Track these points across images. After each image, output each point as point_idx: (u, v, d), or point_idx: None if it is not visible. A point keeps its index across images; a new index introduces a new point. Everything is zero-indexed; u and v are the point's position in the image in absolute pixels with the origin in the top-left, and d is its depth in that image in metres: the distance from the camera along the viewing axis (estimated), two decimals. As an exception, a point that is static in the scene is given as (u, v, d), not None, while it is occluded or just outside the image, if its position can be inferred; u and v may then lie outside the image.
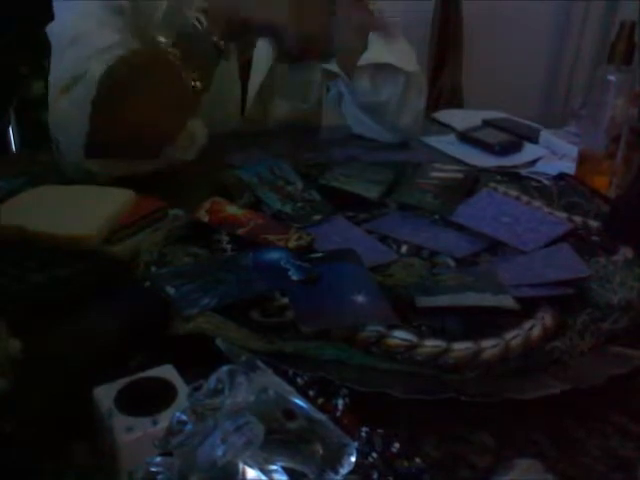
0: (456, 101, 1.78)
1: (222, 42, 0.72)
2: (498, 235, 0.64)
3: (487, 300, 0.52)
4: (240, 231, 0.62)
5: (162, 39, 0.71)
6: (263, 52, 0.91)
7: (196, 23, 0.71)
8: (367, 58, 0.85)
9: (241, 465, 0.25)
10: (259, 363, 0.29)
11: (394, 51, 0.86)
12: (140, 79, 0.72)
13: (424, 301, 0.53)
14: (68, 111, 0.71)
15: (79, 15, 0.75)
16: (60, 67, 0.75)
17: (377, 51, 0.85)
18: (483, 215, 0.67)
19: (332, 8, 0.79)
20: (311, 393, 0.41)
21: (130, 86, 0.71)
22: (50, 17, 0.77)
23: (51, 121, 0.73)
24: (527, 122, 1.04)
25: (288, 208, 0.68)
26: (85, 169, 0.71)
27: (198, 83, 0.71)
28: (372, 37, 0.85)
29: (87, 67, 0.71)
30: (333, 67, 0.90)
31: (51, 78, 0.75)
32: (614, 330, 0.50)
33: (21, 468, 0.38)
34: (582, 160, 0.81)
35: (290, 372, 0.43)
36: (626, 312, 0.51)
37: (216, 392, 0.28)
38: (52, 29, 0.77)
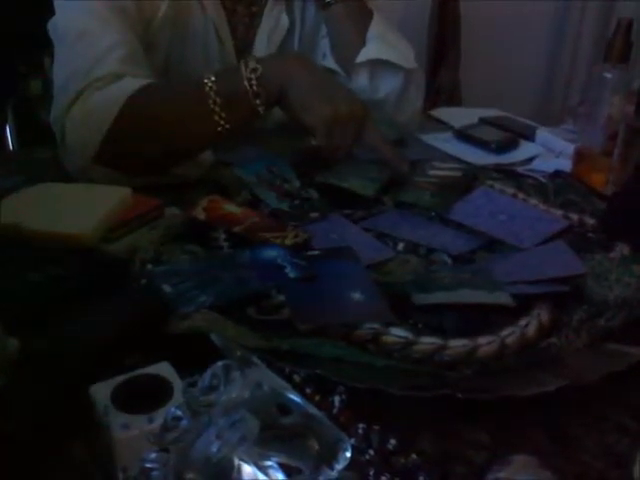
0: (454, 99, 1.78)
1: (263, 108, 0.69)
2: (494, 232, 0.64)
3: (483, 297, 0.53)
4: (237, 229, 0.62)
5: (208, 80, 0.68)
6: (263, 51, 0.91)
7: (246, 83, 0.68)
8: (365, 54, 0.85)
9: (236, 461, 0.25)
10: (254, 359, 0.29)
11: (393, 48, 0.86)
12: (165, 113, 0.71)
13: (421, 298, 0.53)
14: (81, 120, 0.70)
15: (82, 13, 0.75)
16: (65, 65, 0.74)
17: (375, 48, 0.85)
18: (479, 212, 0.67)
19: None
20: (308, 390, 0.41)
21: (152, 120, 0.70)
22: (48, 15, 0.77)
23: (56, 120, 0.72)
24: (524, 120, 1.04)
25: (285, 206, 0.68)
26: (88, 176, 0.70)
27: (227, 125, 0.69)
28: (370, 34, 0.85)
29: (100, 73, 0.70)
30: (331, 63, 0.90)
31: (55, 76, 0.74)
32: (610, 327, 0.50)
33: (18, 466, 0.38)
34: (579, 158, 0.81)
35: (287, 369, 0.43)
36: (622, 309, 0.51)
37: (211, 388, 0.28)
38: (54, 26, 0.76)
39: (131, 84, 0.70)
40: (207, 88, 0.68)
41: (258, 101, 0.68)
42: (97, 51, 0.72)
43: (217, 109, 0.68)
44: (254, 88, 0.68)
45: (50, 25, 0.77)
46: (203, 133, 0.72)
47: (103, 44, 0.72)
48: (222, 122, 0.69)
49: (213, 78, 0.68)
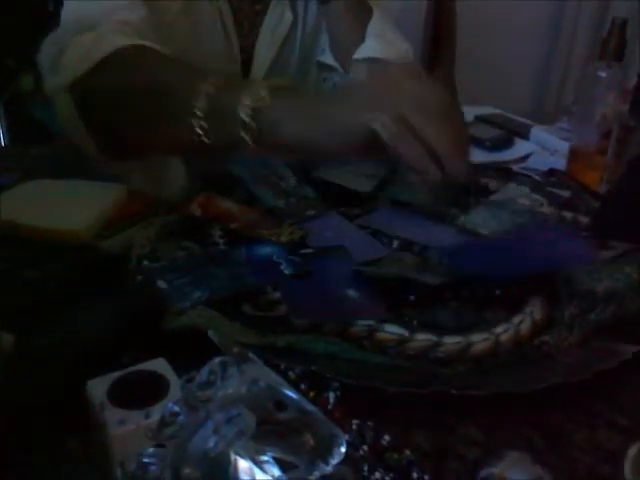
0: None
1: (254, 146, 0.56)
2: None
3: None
4: (233, 226, 0.62)
5: (198, 105, 0.56)
6: (264, 50, 0.91)
7: (244, 116, 0.54)
8: (363, 52, 0.85)
9: (233, 456, 0.26)
10: (251, 355, 0.30)
11: (391, 47, 0.86)
12: (143, 88, 0.62)
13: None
14: (82, 47, 0.65)
15: None
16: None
17: (374, 45, 0.85)
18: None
19: None
20: (303, 386, 0.41)
21: (131, 90, 0.63)
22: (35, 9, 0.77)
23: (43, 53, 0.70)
24: (519, 118, 1.04)
25: (281, 203, 0.68)
26: (58, 103, 0.68)
27: (204, 138, 0.57)
28: (369, 31, 0.86)
29: (123, 16, 0.68)
30: (329, 59, 0.90)
31: (64, 13, 0.72)
32: (600, 321, 0.51)
33: (14, 462, 0.38)
34: (573, 156, 0.81)
35: (282, 366, 0.43)
36: (611, 302, 0.52)
37: (208, 384, 0.28)
38: None
39: (128, 38, 0.65)
40: (195, 109, 0.57)
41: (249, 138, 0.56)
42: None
43: (201, 131, 0.57)
44: (249, 135, 0.55)
45: None
46: (178, 139, 0.61)
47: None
48: (203, 138, 0.58)
49: (202, 113, 0.57)
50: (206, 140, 0.57)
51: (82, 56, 0.65)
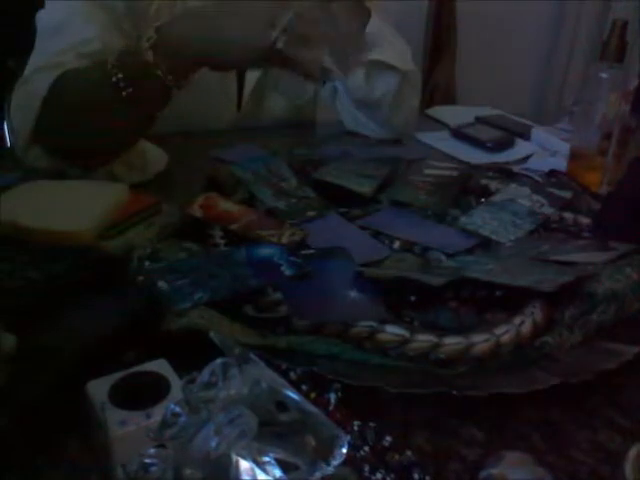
0: (450, 98, 1.79)
1: (170, 78, 0.64)
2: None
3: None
4: (233, 227, 0.62)
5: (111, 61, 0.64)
6: None
7: (147, 54, 0.63)
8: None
9: (234, 457, 0.26)
10: (252, 356, 0.30)
11: (389, 49, 0.87)
12: (75, 96, 0.69)
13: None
14: (21, 102, 0.71)
15: (66, 6, 0.76)
16: (37, 55, 0.75)
17: (372, 48, 0.85)
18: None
19: None
20: (304, 387, 0.41)
21: (70, 104, 0.69)
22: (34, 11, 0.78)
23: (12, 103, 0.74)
24: (520, 119, 1.04)
25: (282, 204, 0.68)
26: (28, 157, 0.72)
27: (129, 91, 0.64)
28: (369, 32, 0.86)
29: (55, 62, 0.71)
30: (327, 62, 0.90)
31: (29, 64, 0.75)
32: (601, 322, 0.51)
33: (14, 463, 0.38)
34: (574, 157, 0.81)
35: (283, 367, 0.43)
36: (612, 303, 0.52)
37: (210, 385, 0.28)
38: (40, 16, 0.77)
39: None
40: (109, 66, 0.64)
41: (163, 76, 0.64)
42: (66, 44, 0.72)
43: (121, 84, 0.64)
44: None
45: (38, 16, 0.77)
46: (111, 108, 0.67)
47: (76, 38, 0.73)
48: (125, 91, 0.64)
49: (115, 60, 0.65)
50: (129, 91, 0.63)
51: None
